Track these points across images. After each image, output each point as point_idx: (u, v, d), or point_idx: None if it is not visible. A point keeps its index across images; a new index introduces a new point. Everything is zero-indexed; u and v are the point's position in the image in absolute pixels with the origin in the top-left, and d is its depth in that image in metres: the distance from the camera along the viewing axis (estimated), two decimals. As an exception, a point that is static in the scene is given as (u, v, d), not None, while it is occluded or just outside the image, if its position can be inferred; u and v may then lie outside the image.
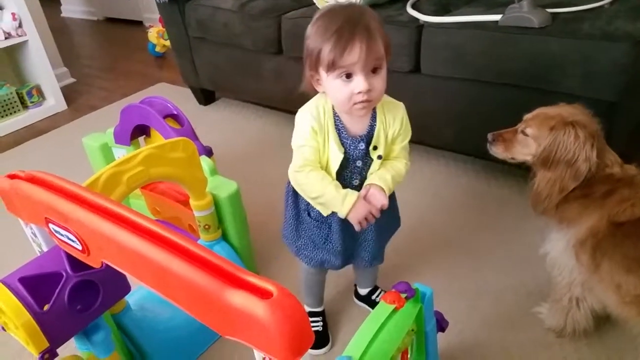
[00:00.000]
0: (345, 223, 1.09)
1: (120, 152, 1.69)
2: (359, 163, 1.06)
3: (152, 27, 3.65)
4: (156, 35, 3.54)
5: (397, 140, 1.07)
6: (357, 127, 1.04)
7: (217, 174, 1.41)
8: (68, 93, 3.20)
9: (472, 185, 1.85)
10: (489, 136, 1.25)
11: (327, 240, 1.14)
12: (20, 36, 2.74)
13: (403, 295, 0.92)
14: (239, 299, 0.52)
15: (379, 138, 1.05)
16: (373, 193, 1.03)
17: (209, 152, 1.48)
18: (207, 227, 1.35)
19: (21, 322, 0.88)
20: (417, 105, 1.79)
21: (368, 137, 1.05)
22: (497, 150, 1.24)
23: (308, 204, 1.10)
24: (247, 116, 2.63)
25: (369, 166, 1.07)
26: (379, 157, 1.06)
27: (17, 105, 2.85)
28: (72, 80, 3.45)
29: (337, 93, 0.97)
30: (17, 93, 2.85)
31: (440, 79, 1.70)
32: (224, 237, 1.41)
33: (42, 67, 2.87)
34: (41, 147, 2.59)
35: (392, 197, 1.17)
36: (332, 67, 0.93)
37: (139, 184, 1.15)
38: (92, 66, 3.76)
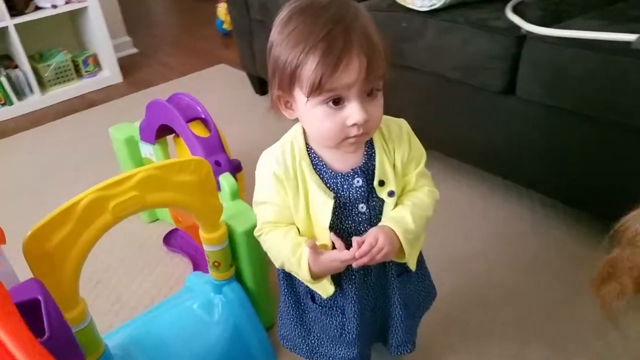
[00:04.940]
0: (362, 302, 0.82)
1: (147, 149, 1.48)
2: (362, 207, 0.77)
3: (221, 2, 3.44)
4: (224, 12, 3.33)
5: (409, 168, 0.79)
6: (345, 160, 0.76)
7: (238, 199, 1.15)
8: (127, 64, 3.07)
9: (561, 240, 1.48)
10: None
11: (344, 331, 0.85)
12: (80, 2, 2.60)
13: None
14: None
15: (383, 170, 0.76)
16: (369, 233, 0.73)
17: (236, 168, 1.22)
18: (216, 264, 1.10)
19: None
20: (504, 133, 1.45)
21: (366, 170, 0.76)
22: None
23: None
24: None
25: (381, 209, 0.78)
26: (391, 194, 0.77)
27: (72, 74, 2.74)
28: (134, 50, 3.32)
29: (321, 124, 0.69)
30: (73, 61, 2.73)
31: (537, 105, 1.34)
32: (238, 276, 1.15)
33: (100, 35, 2.73)
34: (87, 121, 2.46)
35: (420, 261, 0.89)
36: (316, 89, 0.65)
37: (128, 212, 0.91)
38: (157, 37, 3.62)
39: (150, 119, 1.36)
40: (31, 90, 2.60)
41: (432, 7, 1.47)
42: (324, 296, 0.80)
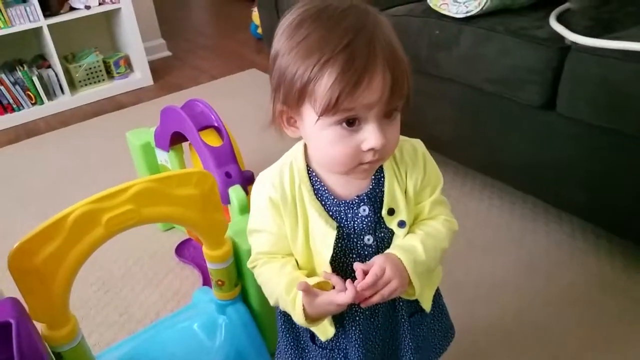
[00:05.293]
0: (368, 345, 0.72)
1: (163, 156, 1.43)
2: (369, 239, 0.68)
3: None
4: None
5: (423, 195, 0.70)
6: (350, 185, 0.67)
7: (247, 213, 1.07)
8: (159, 67, 3.07)
9: (602, 271, 1.35)
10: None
11: None
12: (113, 3, 2.60)
13: None
14: None
15: (393, 197, 0.67)
16: (375, 261, 0.64)
17: (247, 180, 1.14)
18: (220, 283, 1.03)
19: None
20: (543, 151, 1.33)
21: (374, 197, 0.67)
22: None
23: None
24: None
25: (390, 242, 0.69)
26: (401, 224, 0.67)
27: (103, 75, 2.74)
28: (167, 53, 3.31)
29: (332, 148, 0.60)
30: (104, 62, 2.73)
31: (581, 124, 1.22)
32: (243, 297, 1.08)
33: (132, 37, 2.73)
34: (116, 123, 2.45)
35: (436, 298, 0.78)
36: (331, 108, 0.56)
37: (123, 227, 0.85)
38: (191, 41, 3.61)
39: (164, 126, 1.30)
40: (62, 91, 2.61)
41: (469, 14, 1.37)
42: (323, 339, 0.71)
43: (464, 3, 1.37)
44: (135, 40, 2.74)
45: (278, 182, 0.67)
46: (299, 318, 0.65)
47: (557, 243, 1.44)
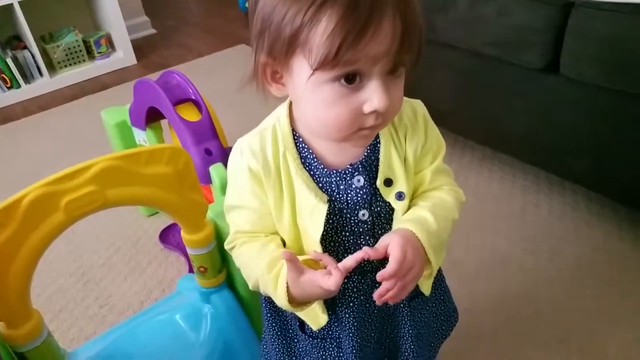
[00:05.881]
0: (363, 333, 0.65)
1: (140, 135, 1.34)
2: (363, 215, 0.60)
3: (242, -21, 3.28)
4: (245, -10, 3.17)
5: (423, 163, 0.62)
6: (343, 152, 0.58)
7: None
8: (143, 45, 2.95)
9: (609, 243, 1.27)
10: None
11: None
12: (91, -22, 2.47)
13: None
14: None
15: (390, 165, 0.58)
16: (391, 242, 0.54)
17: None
18: (202, 269, 0.95)
19: None
20: (545, 117, 1.25)
21: (369, 165, 0.58)
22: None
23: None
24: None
25: (388, 218, 0.61)
26: (399, 196, 0.59)
27: (83, 55, 2.62)
28: (152, 31, 3.19)
29: (327, 110, 0.51)
30: (85, 41, 2.61)
31: (586, 86, 1.13)
32: (229, 283, 1.00)
33: (113, 14, 2.60)
34: (98, 105, 2.33)
35: (438, 280, 0.72)
36: (330, 61, 0.46)
37: (86, 211, 0.76)
38: (176, 17, 3.48)
39: (138, 101, 1.21)
40: (40, 73, 2.49)
41: (464, -28, 1.27)
42: (314, 327, 0.63)
43: (458, -40, 1.27)
44: (116, 18, 2.62)
45: (259, 150, 0.58)
46: (281, 299, 0.56)
47: (560, 215, 1.36)
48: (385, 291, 0.53)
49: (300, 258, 0.56)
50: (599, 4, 1.06)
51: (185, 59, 2.74)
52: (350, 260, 0.52)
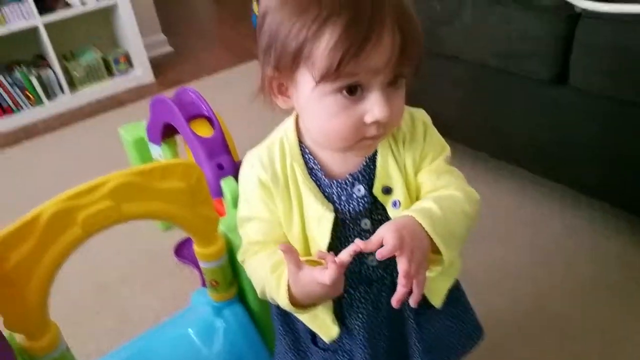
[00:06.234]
0: (374, 344, 0.65)
1: (156, 150, 1.37)
2: (366, 224, 0.61)
3: (256, -4, 3.34)
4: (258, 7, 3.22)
5: (423, 165, 0.62)
6: (346, 164, 0.60)
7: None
8: (161, 63, 3.01)
9: (626, 257, 1.25)
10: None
11: None
12: (109, -2, 2.54)
13: None
14: None
15: (387, 173, 0.59)
16: (385, 232, 0.50)
17: (241, 172, 1.08)
18: (214, 283, 0.96)
19: None
20: (554, 128, 1.25)
21: (368, 175, 0.60)
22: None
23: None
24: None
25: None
26: (394, 204, 0.59)
27: (103, 72, 2.69)
28: (169, 49, 3.25)
29: (331, 121, 0.53)
30: (104, 59, 2.69)
31: (595, 96, 1.14)
32: (240, 297, 1.01)
33: (131, 33, 2.67)
34: (116, 121, 2.39)
35: (455, 295, 0.71)
36: (332, 73, 0.49)
37: (102, 226, 0.79)
38: (193, 35, 3.55)
39: (154, 118, 1.25)
40: (62, 90, 2.57)
41: (470, -15, 1.29)
42: (326, 340, 0.65)
43: (465, -26, 1.29)
44: (134, 36, 2.68)
45: (267, 161, 0.61)
46: (282, 297, 0.57)
47: (574, 227, 1.35)
48: (401, 295, 0.50)
49: (304, 259, 0.56)
50: (607, 16, 1.06)
51: (200, 75, 2.79)
52: (344, 254, 0.51)
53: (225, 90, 2.47)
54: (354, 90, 0.51)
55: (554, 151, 1.29)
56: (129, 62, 2.78)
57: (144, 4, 2.95)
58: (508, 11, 1.21)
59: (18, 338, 0.78)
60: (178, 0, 4.49)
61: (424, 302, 0.66)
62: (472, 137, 1.51)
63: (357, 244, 0.50)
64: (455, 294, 0.72)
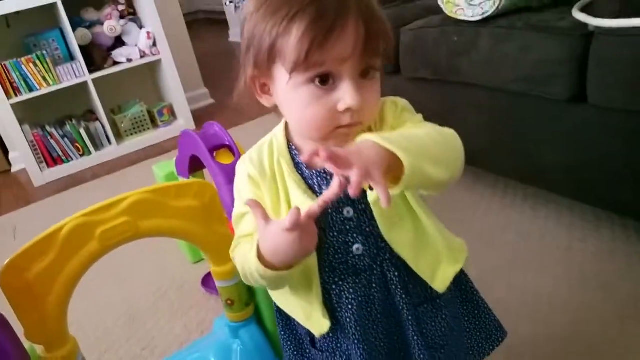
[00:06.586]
0: (370, 341, 0.64)
1: (186, 184, 1.43)
2: (348, 212, 0.62)
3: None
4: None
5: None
6: None
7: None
8: (202, 114, 3.16)
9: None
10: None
11: None
12: (154, 55, 2.72)
13: None
14: None
15: None
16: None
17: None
18: (230, 302, 0.98)
19: None
20: (578, 148, 1.22)
21: None
22: None
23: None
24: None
25: (373, 216, 0.61)
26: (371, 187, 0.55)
27: (147, 123, 2.85)
28: (211, 101, 3.42)
29: (306, 110, 0.56)
30: (149, 111, 2.85)
31: (615, 112, 1.12)
32: (257, 317, 1.02)
33: (174, 86, 2.84)
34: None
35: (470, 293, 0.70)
36: (302, 63, 0.53)
37: (119, 240, 0.83)
38: (232, 87, 3.71)
39: (181, 151, 1.32)
40: (109, 141, 2.73)
41: (485, 15, 1.32)
42: (317, 335, 0.65)
43: (479, 5, 1.32)
44: (177, 89, 2.85)
45: (256, 158, 0.65)
46: (252, 258, 0.57)
47: (610, 251, 1.29)
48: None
49: None
50: (620, 31, 1.06)
51: (238, 122, 2.90)
52: (314, 206, 0.51)
53: (258, 135, 2.55)
54: (326, 80, 0.54)
55: (582, 172, 1.25)
56: (172, 113, 2.94)
57: (187, 60, 3.15)
58: (524, 37, 1.22)
59: (39, 350, 0.81)
60: (220, 56, 4.74)
61: (423, 293, 0.66)
62: (500, 163, 1.50)
63: (323, 198, 0.50)
64: (468, 290, 0.72)
